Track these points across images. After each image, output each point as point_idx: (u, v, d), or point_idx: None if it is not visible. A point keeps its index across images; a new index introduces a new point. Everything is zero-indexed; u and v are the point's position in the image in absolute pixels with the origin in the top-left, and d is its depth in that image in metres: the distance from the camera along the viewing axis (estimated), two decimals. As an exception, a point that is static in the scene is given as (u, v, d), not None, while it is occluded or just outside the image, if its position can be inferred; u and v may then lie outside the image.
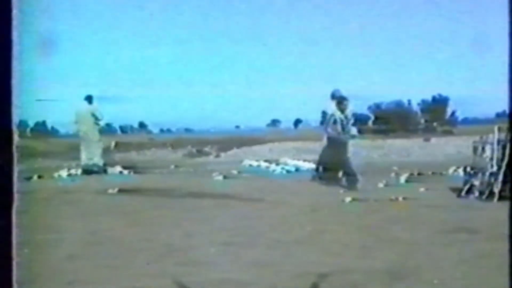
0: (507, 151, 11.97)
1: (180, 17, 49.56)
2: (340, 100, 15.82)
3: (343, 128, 15.55)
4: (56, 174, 17.47)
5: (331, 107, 15.86)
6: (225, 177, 16.48)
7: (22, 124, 23.18)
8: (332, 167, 15.38)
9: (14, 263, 3.16)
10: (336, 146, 15.39)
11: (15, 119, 3.11)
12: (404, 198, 12.24)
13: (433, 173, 17.14)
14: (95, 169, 18.26)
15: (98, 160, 18.57)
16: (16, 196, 3.15)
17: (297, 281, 6.48)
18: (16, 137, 3.12)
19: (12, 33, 3.05)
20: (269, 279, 6.61)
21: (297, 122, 51.18)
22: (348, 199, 12.12)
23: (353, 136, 15.91)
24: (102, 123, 19.23)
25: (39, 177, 16.93)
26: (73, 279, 6.70)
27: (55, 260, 7.57)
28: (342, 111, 15.67)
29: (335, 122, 15.59)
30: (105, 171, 18.30)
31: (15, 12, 2.98)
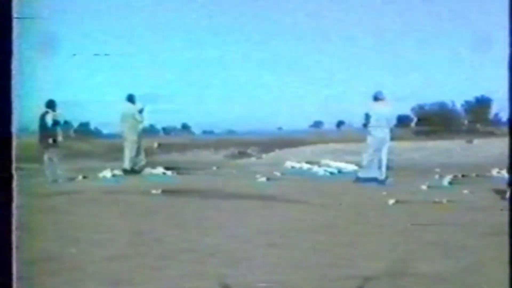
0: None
1: (222, 19, 49.77)
2: (382, 102, 15.83)
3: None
4: (100, 175, 17.59)
5: (374, 109, 15.83)
6: (268, 178, 16.46)
7: (67, 125, 23.40)
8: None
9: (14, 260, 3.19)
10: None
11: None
12: (448, 201, 12.14)
13: (477, 175, 17.00)
14: (136, 168, 18.33)
15: (135, 161, 18.57)
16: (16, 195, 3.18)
17: (342, 284, 6.46)
18: (15, 138, 3.15)
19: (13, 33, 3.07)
20: (314, 282, 6.60)
21: (340, 123, 51.14)
22: (391, 201, 12.03)
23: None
24: (141, 126, 19.03)
25: (84, 177, 17.08)
26: (117, 279, 6.75)
27: (100, 259, 7.62)
28: (383, 112, 15.70)
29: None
30: (139, 172, 18.32)
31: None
